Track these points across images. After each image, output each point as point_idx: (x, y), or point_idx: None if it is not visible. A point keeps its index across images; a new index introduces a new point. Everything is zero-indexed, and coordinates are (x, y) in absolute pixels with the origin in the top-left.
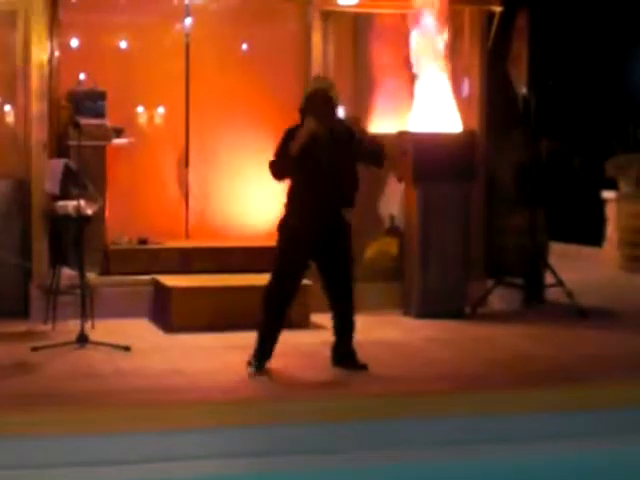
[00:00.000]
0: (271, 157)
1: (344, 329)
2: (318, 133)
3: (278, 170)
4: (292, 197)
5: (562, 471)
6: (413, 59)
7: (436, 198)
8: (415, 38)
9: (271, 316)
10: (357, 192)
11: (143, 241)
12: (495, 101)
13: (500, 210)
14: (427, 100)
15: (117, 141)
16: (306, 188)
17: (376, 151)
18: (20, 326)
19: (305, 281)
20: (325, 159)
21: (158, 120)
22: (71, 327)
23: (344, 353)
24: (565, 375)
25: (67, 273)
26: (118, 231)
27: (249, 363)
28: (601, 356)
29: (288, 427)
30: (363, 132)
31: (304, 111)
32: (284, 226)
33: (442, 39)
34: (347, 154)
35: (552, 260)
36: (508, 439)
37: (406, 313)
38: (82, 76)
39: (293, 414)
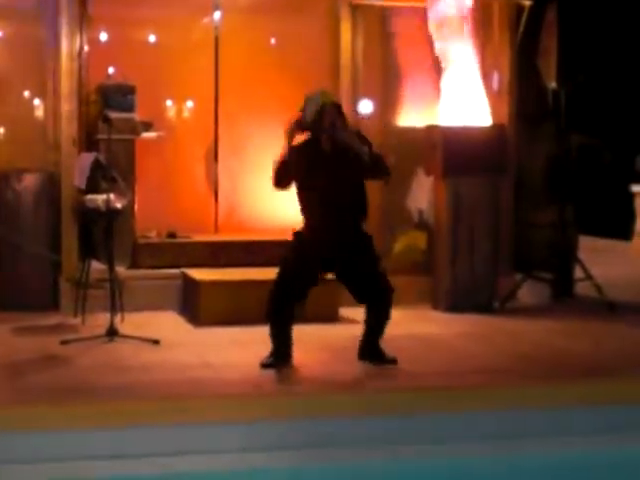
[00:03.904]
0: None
1: (374, 328)
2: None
3: (279, 177)
4: (302, 213)
5: (596, 466)
6: (439, 53)
7: (465, 192)
8: (438, 33)
9: (277, 315)
10: (367, 203)
11: (172, 235)
12: (524, 95)
13: (529, 204)
14: (456, 93)
15: (146, 135)
16: (314, 203)
17: (376, 164)
18: (50, 319)
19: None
20: (330, 172)
21: (187, 114)
22: (100, 320)
23: (372, 348)
24: (596, 369)
25: (96, 266)
26: (147, 225)
27: (262, 363)
28: (631, 350)
29: (315, 421)
30: (364, 143)
31: (313, 123)
32: (300, 236)
33: (467, 34)
34: (354, 166)
35: (581, 254)
36: (541, 434)
37: (435, 307)
38: (111, 70)
39: (321, 408)
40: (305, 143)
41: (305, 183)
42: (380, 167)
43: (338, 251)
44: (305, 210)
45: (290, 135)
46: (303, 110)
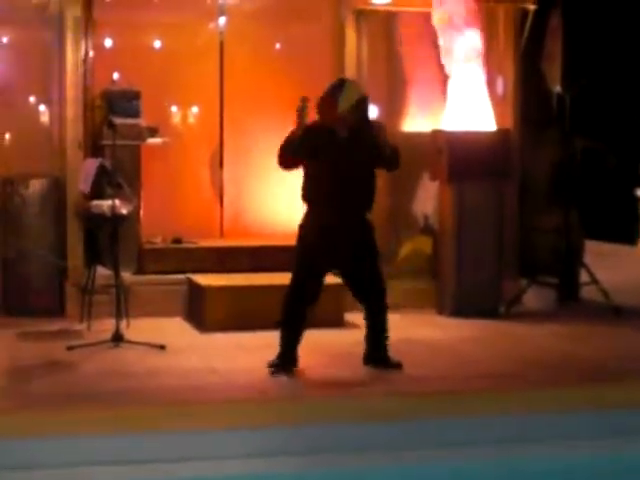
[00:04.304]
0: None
1: (376, 331)
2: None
3: (285, 157)
4: (310, 198)
5: (602, 471)
6: (443, 59)
7: (470, 197)
8: (444, 37)
9: (291, 319)
10: (375, 194)
11: (177, 240)
12: (529, 99)
13: (534, 209)
14: (461, 98)
15: (151, 141)
16: (325, 191)
17: (393, 156)
18: (55, 325)
19: (339, 280)
20: (343, 160)
21: (192, 119)
22: (106, 326)
23: (377, 354)
24: (602, 373)
25: (102, 272)
26: (153, 230)
27: (270, 365)
28: (637, 354)
29: (320, 427)
30: (384, 138)
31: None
32: (303, 227)
33: (473, 37)
34: (367, 156)
35: (586, 259)
36: (546, 438)
37: (440, 312)
38: (116, 76)
39: (326, 413)
40: (319, 127)
41: (318, 167)
42: (395, 159)
43: (342, 238)
44: (312, 192)
45: (301, 113)
46: (335, 92)
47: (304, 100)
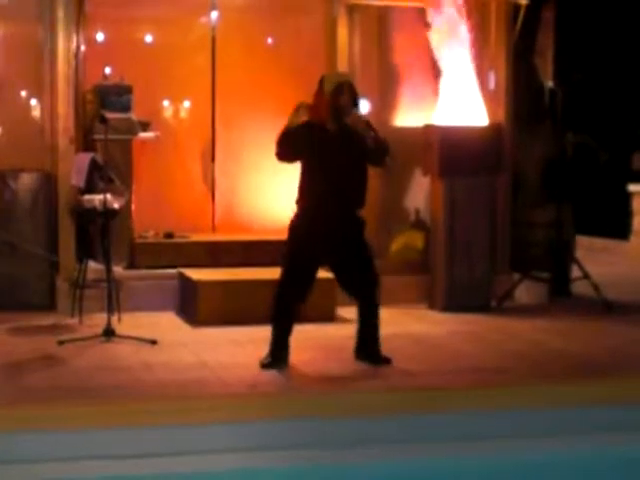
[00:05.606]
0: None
1: (367, 326)
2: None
3: (282, 150)
4: (302, 195)
5: (589, 465)
6: (436, 53)
7: (462, 192)
8: (436, 32)
9: (281, 313)
10: (367, 191)
11: (169, 235)
12: (521, 94)
13: (526, 203)
14: (453, 93)
15: (143, 135)
16: (316, 186)
17: (378, 150)
18: (47, 319)
19: (331, 275)
20: (335, 155)
21: (184, 114)
22: (98, 320)
23: (367, 349)
24: (592, 369)
25: (94, 267)
26: (144, 225)
27: (262, 364)
28: (628, 349)
29: (312, 421)
30: (370, 129)
31: (329, 99)
32: (293, 224)
33: (465, 31)
34: (358, 151)
35: (578, 254)
36: (534, 434)
37: (432, 306)
38: (108, 70)
39: (317, 408)
40: (311, 122)
41: (311, 162)
42: (382, 152)
43: (332, 235)
44: (305, 188)
45: (297, 112)
46: (321, 80)
47: (302, 103)
